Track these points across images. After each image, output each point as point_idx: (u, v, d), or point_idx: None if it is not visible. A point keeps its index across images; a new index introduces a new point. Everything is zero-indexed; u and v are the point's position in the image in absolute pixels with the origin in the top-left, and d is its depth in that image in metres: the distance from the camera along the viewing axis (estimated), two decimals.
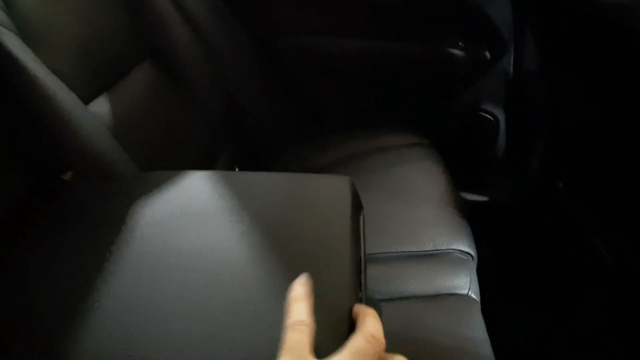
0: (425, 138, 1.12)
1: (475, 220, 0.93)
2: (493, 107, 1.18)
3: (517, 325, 1.00)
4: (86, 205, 0.57)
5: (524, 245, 1.11)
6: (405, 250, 0.84)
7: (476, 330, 0.74)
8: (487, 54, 1.12)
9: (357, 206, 0.54)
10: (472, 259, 0.85)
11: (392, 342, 0.73)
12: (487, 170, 1.25)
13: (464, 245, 0.85)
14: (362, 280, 0.50)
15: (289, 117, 1.20)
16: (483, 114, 1.18)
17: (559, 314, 1.01)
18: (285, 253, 0.47)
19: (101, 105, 0.74)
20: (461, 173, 1.06)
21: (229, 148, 1.09)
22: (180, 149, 0.92)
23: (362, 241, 0.54)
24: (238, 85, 1.08)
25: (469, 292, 0.80)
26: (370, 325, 0.38)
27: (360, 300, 0.45)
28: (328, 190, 0.53)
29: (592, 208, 1.01)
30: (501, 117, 1.18)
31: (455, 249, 0.84)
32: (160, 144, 0.86)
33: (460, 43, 1.12)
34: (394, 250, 0.84)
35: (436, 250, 0.84)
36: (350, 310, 0.41)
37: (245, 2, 1.08)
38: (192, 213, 0.52)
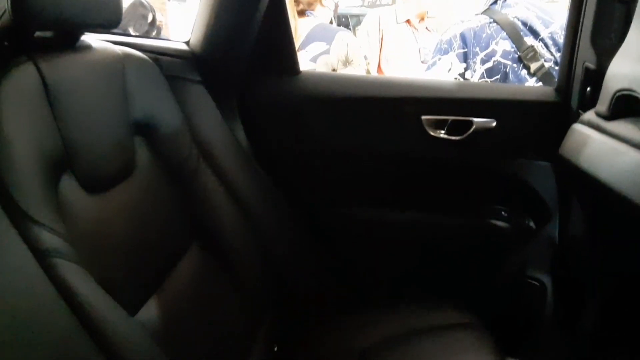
0: (472, 314, 1.06)
1: None
2: (539, 273, 1.13)
3: None
4: None
5: None
6: None
7: None
8: (532, 223, 1.09)
9: None
10: None
11: None
12: (536, 337, 1.18)
13: None
14: None
15: (330, 291, 1.15)
16: (529, 280, 1.13)
17: None
18: None
19: (149, 313, 0.71)
20: (509, 340, 1.00)
21: (267, 323, 1.03)
22: (219, 328, 0.86)
23: None
24: (280, 258, 1.04)
25: None
26: None
27: None
28: None
29: None
30: (547, 282, 1.13)
31: None
32: (203, 331, 0.82)
33: (503, 212, 1.09)
34: None
35: None
36: None
37: (289, 175, 1.07)
38: None
